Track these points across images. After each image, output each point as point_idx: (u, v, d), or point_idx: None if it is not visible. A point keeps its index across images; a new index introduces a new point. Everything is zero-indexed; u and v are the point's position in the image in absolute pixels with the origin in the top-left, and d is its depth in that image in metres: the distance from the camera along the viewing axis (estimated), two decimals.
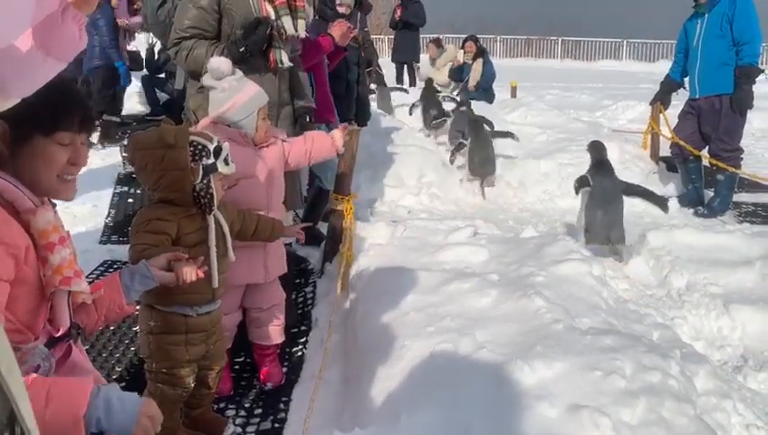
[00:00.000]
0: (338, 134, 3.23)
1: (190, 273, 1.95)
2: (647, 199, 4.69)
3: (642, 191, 4.71)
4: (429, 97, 7.82)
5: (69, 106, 1.63)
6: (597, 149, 4.82)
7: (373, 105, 8.35)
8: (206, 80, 2.95)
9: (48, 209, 1.66)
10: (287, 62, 3.33)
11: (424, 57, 12.79)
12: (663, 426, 2.13)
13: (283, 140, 3.13)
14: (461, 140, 6.34)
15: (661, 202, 4.72)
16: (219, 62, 2.91)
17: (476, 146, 6.06)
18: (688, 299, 3.55)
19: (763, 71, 5.93)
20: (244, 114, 2.88)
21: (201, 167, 2.23)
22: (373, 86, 9.31)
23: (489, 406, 2.22)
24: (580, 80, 16.49)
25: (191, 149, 2.22)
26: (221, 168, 2.27)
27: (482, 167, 6.02)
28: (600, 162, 4.70)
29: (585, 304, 3.01)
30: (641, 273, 3.94)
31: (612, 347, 2.49)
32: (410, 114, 8.04)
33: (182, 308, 2.38)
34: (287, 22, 3.31)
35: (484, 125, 6.24)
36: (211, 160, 2.25)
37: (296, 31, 3.37)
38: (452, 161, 6.47)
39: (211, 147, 2.26)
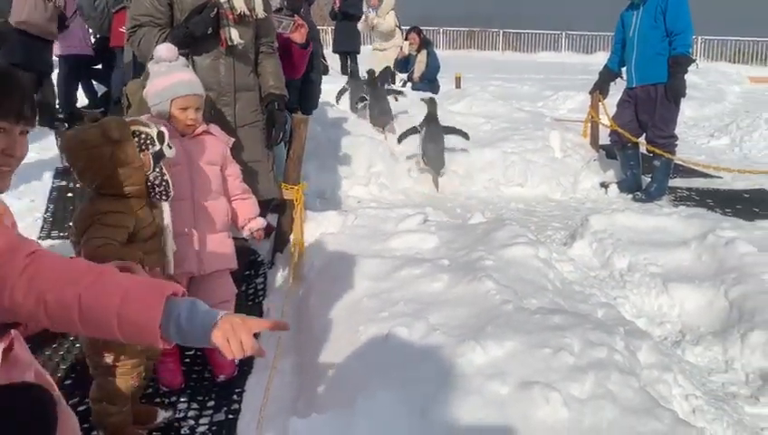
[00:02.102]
0: (256, 223, 3.15)
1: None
2: (455, 134, 6.36)
3: (452, 129, 6.40)
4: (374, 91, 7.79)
5: (5, 94, 1.56)
6: (431, 104, 6.48)
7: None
8: (149, 65, 2.90)
9: None
10: (238, 40, 3.29)
11: (365, 48, 12.80)
12: (610, 398, 2.21)
13: (228, 145, 3.07)
14: (363, 95, 7.25)
15: (463, 134, 6.36)
16: (162, 48, 2.86)
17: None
18: (630, 279, 3.69)
19: (694, 60, 6.19)
20: (154, 101, 2.83)
21: (151, 156, 2.19)
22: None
23: (443, 386, 2.27)
24: (521, 71, 16.82)
25: (136, 139, 2.18)
26: (167, 152, 2.24)
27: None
28: (430, 115, 6.37)
29: (532, 286, 3.09)
30: (585, 255, 4.07)
31: (560, 325, 2.57)
32: (337, 102, 8.04)
33: None
34: (237, 1, 3.28)
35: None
36: (158, 147, 2.21)
37: (255, 11, 3.34)
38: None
39: (154, 133, 2.22)
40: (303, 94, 5.33)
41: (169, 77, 2.82)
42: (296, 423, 2.18)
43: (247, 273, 4.24)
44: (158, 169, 2.21)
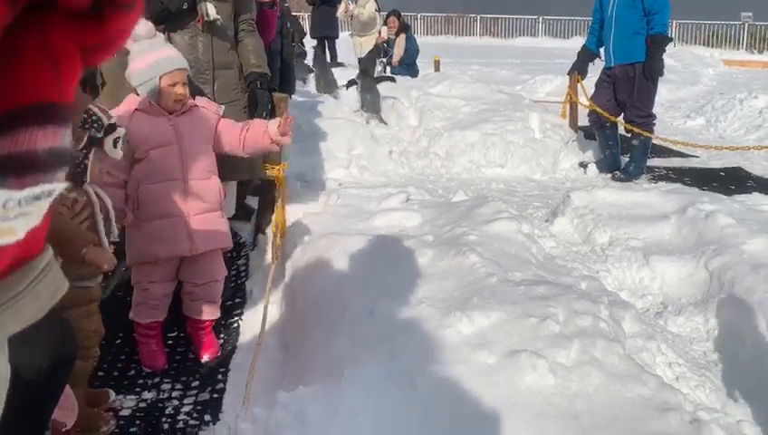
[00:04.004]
0: (273, 124, 3.04)
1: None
2: (385, 80, 7.52)
3: (382, 78, 7.66)
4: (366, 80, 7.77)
5: None
6: (365, 61, 7.88)
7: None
8: (128, 44, 2.84)
9: None
10: (214, 15, 3.23)
11: (343, 34, 12.73)
12: (596, 365, 2.23)
13: (221, 115, 3.01)
14: (353, 79, 7.72)
15: (391, 79, 7.58)
16: (139, 26, 2.80)
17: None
18: (611, 253, 3.72)
19: (671, 39, 6.24)
20: (141, 80, 2.78)
21: (87, 136, 2.16)
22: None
23: (431, 357, 2.26)
24: (499, 56, 16.83)
25: (85, 116, 2.14)
26: (108, 148, 2.19)
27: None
28: (365, 70, 7.30)
29: (516, 260, 3.10)
30: (566, 231, 4.10)
31: (545, 296, 2.58)
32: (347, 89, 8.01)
33: (83, 281, 2.30)
34: None
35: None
36: (100, 135, 2.18)
37: None
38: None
39: (105, 121, 2.19)
40: (282, 77, 5.29)
41: (153, 54, 2.77)
42: (283, 396, 2.17)
43: (230, 255, 4.20)
44: (84, 151, 2.16)
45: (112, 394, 2.76)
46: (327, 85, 8.00)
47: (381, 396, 2.10)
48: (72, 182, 2.17)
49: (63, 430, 2.34)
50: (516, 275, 2.87)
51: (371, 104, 6.84)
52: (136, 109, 2.84)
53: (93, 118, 2.15)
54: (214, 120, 2.99)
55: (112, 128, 2.19)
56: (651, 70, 6.03)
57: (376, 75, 8.83)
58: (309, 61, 10.17)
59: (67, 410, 2.16)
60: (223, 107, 3.08)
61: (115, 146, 2.21)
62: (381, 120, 6.84)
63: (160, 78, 2.78)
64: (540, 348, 2.26)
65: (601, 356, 2.27)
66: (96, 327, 2.41)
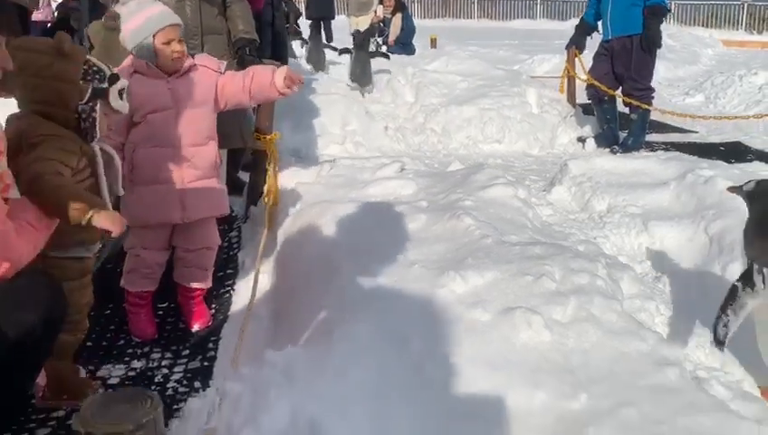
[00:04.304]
0: (279, 75, 2.87)
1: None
2: (378, 56, 7.66)
3: (375, 53, 7.75)
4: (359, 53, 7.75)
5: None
6: (358, 36, 7.33)
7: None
8: (118, 9, 2.76)
9: None
10: None
11: (339, 17, 12.58)
12: (593, 322, 2.17)
13: (220, 72, 2.93)
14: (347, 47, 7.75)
15: (384, 55, 7.74)
16: None
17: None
18: (609, 220, 3.66)
19: (670, 10, 6.14)
20: (135, 41, 2.68)
21: (91, 88, 2.05)
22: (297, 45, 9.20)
23: (423, 315, 2.21)
24: (497, 38, 16.69)
25: (85, 67, 2.04)
26: (113, 99, 2.08)
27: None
28: (359, 43, 7.16)
29: (512, 224, 3.04)
30: (564, 199, 4.03)
31: (541, 255, 2.52)
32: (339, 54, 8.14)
33: (77, 250, 2.19)
34: None
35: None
36: (104, 85, 2.07)
37: None
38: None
39: (107, 72, 2.08)
40: (274, 49, 5.21)
41: (143, 13, 2.66)
42: (271, 355, 2.11)
43: (222, 227, 4.14)
44: (90, 104, 2.05)
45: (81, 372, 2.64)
46: (319, 63, 7.93)
47: (372, 354, 2.04)
48: (81, 138, 2.08)
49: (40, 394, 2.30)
50: (511, 238, 2.81)
51: (361, 76, 6.88)
52: (134, 70, 2.75)
53: (94, 69, 2.05)
54: (214, 79, 2.90)
55: (116, 78, 2.09)
56: (649, 41, 5.94)
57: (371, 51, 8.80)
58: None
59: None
60: (225, 62, 2.98)
61: (121, 97, 2.11)
62: (368, 92, 6.88)
63: (154, 36, 2.69)
64: (535, 305, 2.21)
65: (599, 313, 2.22)
66: (88, 300, 2.33)
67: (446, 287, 2.33)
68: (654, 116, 6.61)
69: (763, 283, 2.11)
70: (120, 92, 2.10)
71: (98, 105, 2.07)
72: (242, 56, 3.45)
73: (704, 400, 1.88)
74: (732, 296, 2.25)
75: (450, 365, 2.01)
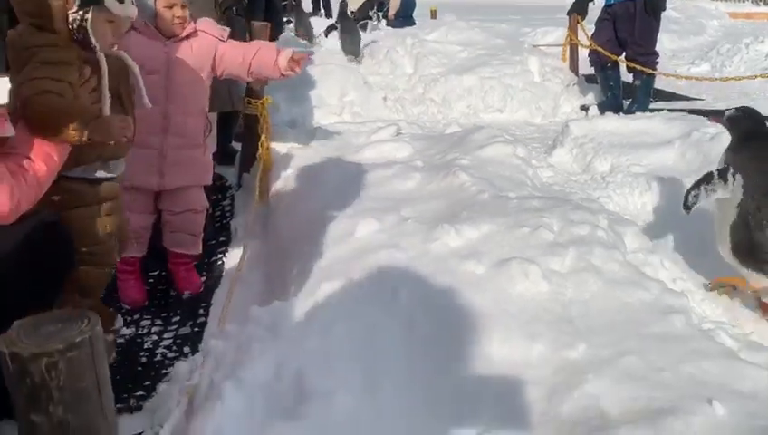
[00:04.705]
0: (284, 53, 2.82)
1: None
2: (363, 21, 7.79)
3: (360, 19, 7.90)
4: (345, 21, 7.67)
5: None
6: (342, 5, 7.55)
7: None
8: None
9: None
10: None
11: None
12: (593, 272, 2.07)
13: (221, 39, 2.82)
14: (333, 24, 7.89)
15: (369, 18, 7.88)
16: None
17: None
18: (612, 180, 3.53)
19: None
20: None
21: None
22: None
23: (414, 269, 2.11)
24: (499, 12, 16.45)
25: None
26: (109, 3, 1.90)
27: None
28: (343, 12, 7.33)
29: (510, 181, 2.93)
30: (565, 162, 3.91)
31: (539, 208, 2.42)
32: (326, 36, 7.97)
33: (92, 171, 2.04)
34: None
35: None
36: None
37: None
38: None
39: None
40: (268, 14, 5.07)
41: None
42: (256, 311, 2.02)
43: (215, 197, 4.05)
44: (80, 13, 1.88)
45: (119, 321, 2.59)
46: (307, 34, 7.90)
47: (360, 307, 1.95)
48: (80, 47, 1.92)
49: None
50: (509, 194, 2.70)
51: (350, 45, 6.87)
52: (133, 27, 2.64)
53: None
54: (214, 45, 2.79)
55: None
56: (653, 5, 5.77)
57: (369, 28, 8.71)
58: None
59: None
60: (227, 30, 2.87)
61: (122, 1, 1.94)
62: (358, 62, 6.88)
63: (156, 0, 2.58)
64: (532, 256, 2.10)
65: (600, 263, 2.12)
66: (110, 230, 2.14)
67: (440, 241, 2.23)
68: (659, 85, 6.45)
69: (733, 183, 2.53)
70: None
71: (89, 12, 1.89)
72: (229, 17, 3.33)
73: (710, 347, 1.78)
74: (707, 180, 2.61)
75: (442, 318, 1.91)
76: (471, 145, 3.30)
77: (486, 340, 1.84)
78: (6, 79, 1.68)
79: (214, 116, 3.69)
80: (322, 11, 11.38)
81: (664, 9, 5.92)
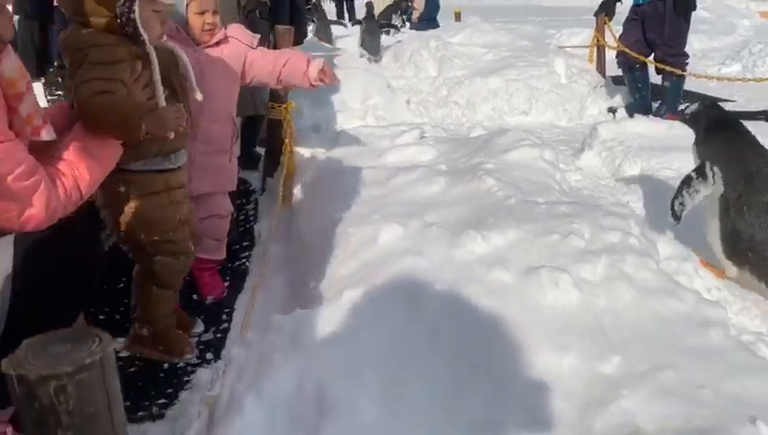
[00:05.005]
0: (315, 64, 2.79)
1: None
2: (389, 27, 8.01)
3: (386, 24, 8.16)
4: (369, 22, 7.72)
5: None
6: (369, 7, 7.94)
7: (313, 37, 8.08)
8: None
9: (11, 54, 1.49)
10: None
11: None
12: (625, 280, 2.00)
13: (251, 46, 2.80)
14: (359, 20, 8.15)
15: (393, 27, 8.17)
16: None
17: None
18: (642, 184, 3.43)
19: None
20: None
21: None
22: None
23: (439, 276, 2.05)
24: (524, 15, 16.33)
25: None
26: None
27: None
28: (369, 14, 7.75)
29: (538, 185, 2.86)
30: (594, 165, 3.82)
31: (568, 214, 2.35)
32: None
33: (155, 162, 2.01)
34: None
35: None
36: None
37: None
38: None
39: None
40: (293, 22, 5.06)
41: None
42: (278, 319, 1.98)
43: (239, 201, 4.03)
44: (126, 5, 1.84)
45: (200, 324, 2.55)
46: (327, 38, 7.92)
47: (383, 316, 1.90)
48: (131, 42, 1.89)
49: None
50: (537, 199, 2.63)
51: (370, 45, 7.06)
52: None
53: None
54: (244, 54, 2.77)
55: None
56: (683, 4, 5.64)
57: (391, 31, 8.74)
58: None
59: None
60: (257, 37, 2.85)
61: None
62: (377, 61, 7.07)
63: (188, 4, 2.55)
64: (563, 264, 2.04)
65: (632, 271, 2.04)
66: (183, 217, 2.10)
67: (465, 248, 2.17)
68: (689, 86, 6.30)
69: (713, 177, 2.57)
70: None
71: (136, 4, 1.86)
72: (252, 19, 3.31)
73: (751, 362, 1.70)
74: (687, 183, 2.66)
75: (467, 328, 1.85)
76: (496, 148, 3.24)
77: (515, 350, 1.77)
78: (41, 83, 1.70)
79: (238, 120, 3.68)
80: (346, 15, 11.37)
81: (694, 9, 5.78)
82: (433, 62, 6.84)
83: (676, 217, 2.63)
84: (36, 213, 1.54)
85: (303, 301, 2.40)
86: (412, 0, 9.99)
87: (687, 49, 6.04)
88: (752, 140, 2.67)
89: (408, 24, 9.51)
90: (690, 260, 2.45)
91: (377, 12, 10.04)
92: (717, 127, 2.69)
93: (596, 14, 6.73)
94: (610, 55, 6.63)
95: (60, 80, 8.00)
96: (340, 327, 1.89)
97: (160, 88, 1.93)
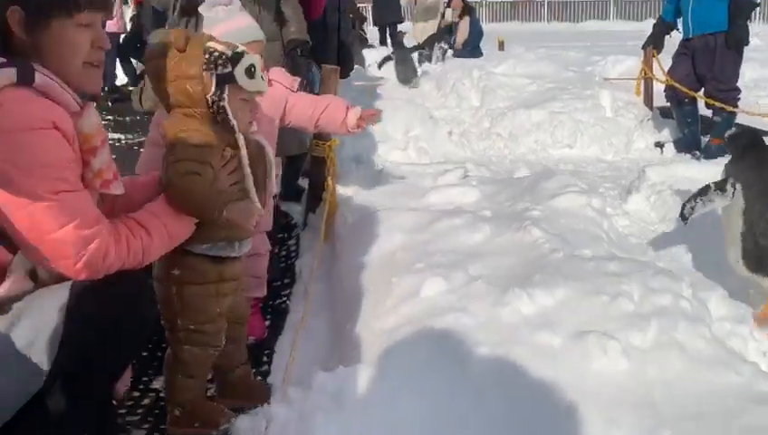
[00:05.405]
0: (354, 112, 2.81)
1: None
2: (417, 50, 8.79)
3: (414, 47, 8.70)
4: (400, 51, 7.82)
5: None
6: (399, 35, 8.59)
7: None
8: (202, 10, 2.69)
9: (92, 111, 1.60)
10: None
11: (407, 23, 12.51)
12: (677, 349, 1.93)
13: (292, 90, 2.84)
14: (389, 54, 8.11)
15: (421, 48, 9.08)
16: None
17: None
18: (693, 232, 3.33)
19: (758, 4, 5.68)
20: None
21: (214, 76, 1.87)
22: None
23: (484, 337, 2.02)
24: (567, 40, 16.22)
25: (205, 56, 1.87)
26: (241, 79, 1.88)
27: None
28: (399, 43, 7.90)
29: (585, 236, 2.80)
30: (642, 209, 3.74)
31: (617, 272, 2.29)
32: (379, 68, 8.19)
33: (217, 249, 1.99)
34: None
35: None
36: (227, 69, 1.87)
37: None
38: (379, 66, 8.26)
39: (228, 53, 1.88)
40: (340, 56, 5.11)
41: (230, 22, 2.56)
42: (320, 377, 1.98)
43: (280, 236, 4.07)
44: (218, 93, 1.87)
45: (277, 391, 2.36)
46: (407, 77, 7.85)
47: (427, 378, 1.87)
48: (224, 129, 1.92)
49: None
50: (585, 252, 2.58)
51: (403, 73, 7.23)
52: None
53: (215, 54, 1.87)
54: (285, 96, 2.80)
55: (238, 57, 1.88)
56: (735, 39, 5.51)
57: (434, 60, 8.78)
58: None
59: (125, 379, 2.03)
60: (297, 80, 2.89)
61: (252, 76, 1.90)
62: (414, 86, 7.28)
63: None
64: (611, 329, 1.98)
65: (684, 339, 1.97)
66: (222, 311, 2.07)
67: (511, 306, 2.14)
68: (740, 119, 6.15)
69: (733, 192, 2.75)
70: (250, 70, 1.90)
71: (226, 92, 1.89)
72: (293, 57, 3.35)
73: None
74: (704, 192, 2.85)
75: (513, 394, 1.82)
76: (542, 194, 3.20)
77: (562, 422, 1.73)
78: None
79: (278, 160, 3.72)
80: (389, 40, 11.44)
81: (747, 44, 5.65)
82: (476, 93, 6.85)
83: (685, 219, 2.87)
84: (92, 263, 1.57)
85: (344, 351, 2.39)
86: (456, 29, 10.00)
87: (739, 80, 5.89)
88: None
89: (451, 52, 9.50)
90: (745, 322, 2.37)
91: (419, 40, 10.12)
92: (746, 148, 2.88)
93: (644, 47, 6.63)
94: (658, 87, 6.51)
95: (110, 104, 8.30)
96: (381, 388, 1.87)
97: (250, 176, 1.95)
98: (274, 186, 2.16)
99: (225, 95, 1.89)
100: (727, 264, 2.84)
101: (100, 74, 1.67)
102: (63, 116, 1.51)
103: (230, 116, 1.90)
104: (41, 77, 1.49)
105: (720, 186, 2.80)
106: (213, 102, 1.89)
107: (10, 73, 1.44)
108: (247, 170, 1.94)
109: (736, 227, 2.73)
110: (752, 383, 1.83)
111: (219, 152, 1.90)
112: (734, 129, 3.11)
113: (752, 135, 2.98)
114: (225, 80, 1.88)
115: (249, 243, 2.13)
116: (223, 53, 1.87)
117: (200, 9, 2.69)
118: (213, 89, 1.87)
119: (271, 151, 2.10)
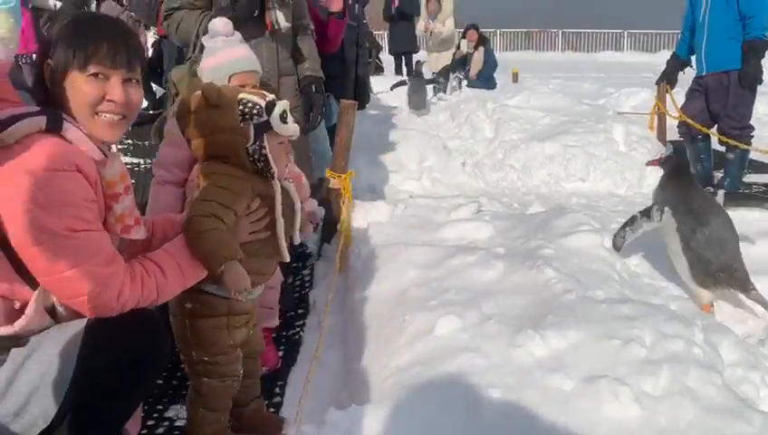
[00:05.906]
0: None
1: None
2: (433, 83, 9.26)
3: (431, 80, 9.13)
4: (416, 80, 8.00)
5: (99, 37, 1.64)
6: (418, 65, 8.56)
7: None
8: (204, 41, 2.76)
9: (117, 159, 1.69)
10: (284, 23, 3.14)
11: (422, 53, 12.65)
12: (689, 396, 1.95)
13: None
14: (403, 78, 8.84)
15: (435, 81, 9.55)
16: (218, 22, 2.68)
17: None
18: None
19: None
20: (211, 77, 2.56)
21: (252, 126, 1.93)
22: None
23: (497, 379, 2.04)
24: (581, 70, 16.32)
25: (240, 108, 1.93)
26: (277, 126, 1.94)
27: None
28: (417, 72, 8.12)
29: (598, 276, 2.82)
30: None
31: (630, 316, 2.31)
32: (391, 89, 8.60)
33: (225, 291, 1.98)
34: None
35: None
36: (264, 118, 1.94)
37: None
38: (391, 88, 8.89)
39: (263, 103, 1.95)
40: (356, 89, 5.19)
41: (228, 52, 2.64)
42: (333, 414, 2.00)
43: (295, 265, 4.11)
44: (258, 142, 1.94)
45: (291, 425, 2.41)
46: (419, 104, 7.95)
47: (439, 420, 1.90)
48: (259, 178, 1.99)
49: None
50: (597, 294, 2.60)
51: (416, 103, 7.44)
52: None
53: (249, 105, 1.94)
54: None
55: (272, 105, 1.95)
56: (748, 78, 5.54)
57: (449, 90, 8.90)
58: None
59: (136, 419, 2.03)
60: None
61: (284, 121, 1.96)
62: (424, 115, 7.46)
63: (229, 78, 2.68)
64: (623, 374, 2.00)
65: (695, 386, 1.99)
66: (236, 342, 2.13)
67: (524, 348, 2.16)
68: (753, 156, 6.16)
69: (660, 216, 3.04)
70: (283, 116, 1.97)
71: (265, 140, 1.95)
72: (308, 93, 3.41)
73: None
74: (631, 221, 3.15)
75: None
76: (555, 232, 3.23)
77: None
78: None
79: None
80: (404, 70, 11.56)
81: (761, 82, 5.67)
82: (489, 124, 6.90)
83: (617, 248, 3.14)
84: (107, 301, 1.62)
85: (356, 386, 2.41)
86: (470, 59, 10.11)
87: (753, 115, 5.92)
88: (694, 183, 3.17)
89: (465, 83, 9.60)
90: (757, 368, 2.37)
91: (434, 70, 10.23)
92: (670, 173, 3.11)
93: (658, 82, 6.68)
94: (672, 122, 6.54)
95: (129, 128, 8.42)
96: (393, 428, 1.90)
97: (281, 223, 2.01)
98: (297, 237, 2.16)
99: (266, 144, 1.95)
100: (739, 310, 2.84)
101: (116, 126, 1.69)
102: (87, 161, 1.60)
103: (272, 163, 1.97)
104: (68, 126, 1.60)
105: (645, 213, 3.07)
106: (254, 152, 1.95)
107: (40, 121, 1.56)
108: (280, 218, 2.00)
109: (675, 244, 2.96)
110: (762, 433, 1.83)
111: (247, 201, 1.96)
112: (669, 150, 3.29)
113: (675, 162, 3.13)
114: (263, 129, 1.94)
115: (261, 289, 2.18)
116: (257, 104, 1.94)
117: (203, 39, 2.76)
118: (252, 138, 1.93)
119: (299, 200, 2.13)
